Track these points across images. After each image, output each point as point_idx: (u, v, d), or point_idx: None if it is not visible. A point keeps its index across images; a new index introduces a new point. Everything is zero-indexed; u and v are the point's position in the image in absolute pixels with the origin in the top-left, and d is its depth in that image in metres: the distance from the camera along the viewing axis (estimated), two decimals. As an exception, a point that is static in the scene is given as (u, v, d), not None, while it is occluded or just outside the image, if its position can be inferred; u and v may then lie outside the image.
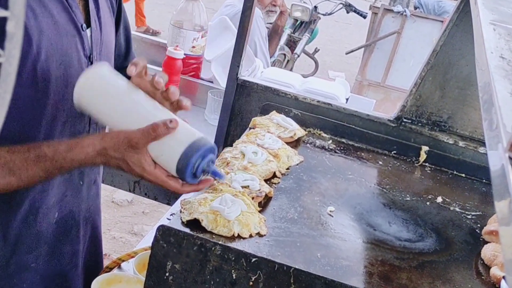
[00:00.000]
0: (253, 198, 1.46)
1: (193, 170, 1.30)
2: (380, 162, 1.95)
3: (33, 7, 1.29)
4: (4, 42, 0.39)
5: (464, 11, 1.94)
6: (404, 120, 2.08)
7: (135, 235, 4.10)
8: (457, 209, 1.74)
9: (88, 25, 1.47)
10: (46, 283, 1.56)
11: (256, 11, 3.95)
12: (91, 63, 1.47)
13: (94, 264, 1.73)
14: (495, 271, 1.40)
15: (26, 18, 1.25)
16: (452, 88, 2.05)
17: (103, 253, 1.98)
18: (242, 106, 2.24)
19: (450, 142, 2.04)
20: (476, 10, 1.33)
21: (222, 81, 2.97)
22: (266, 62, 4.12)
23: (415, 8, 7.10)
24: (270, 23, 4.84)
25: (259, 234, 1.36)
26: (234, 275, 1.28)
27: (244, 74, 2.29)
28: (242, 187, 1.48)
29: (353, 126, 2.06)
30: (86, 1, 1.48)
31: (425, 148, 2.02)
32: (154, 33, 9.25)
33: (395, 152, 2.03)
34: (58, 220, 1.54)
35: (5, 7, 0.40)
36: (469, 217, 1.71)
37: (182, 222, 1.33)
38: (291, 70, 5.87)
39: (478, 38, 1.18)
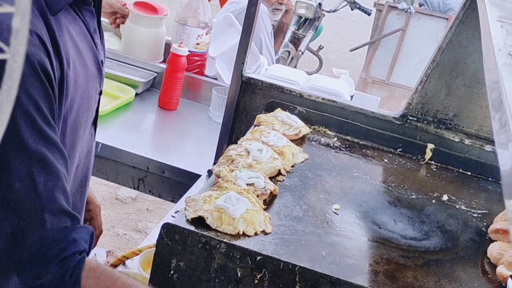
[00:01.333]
0: (258, 196, 1.45)
1: None
2: (386, 160, 1.94)
3: (73, 58, 1.24)
4: (9, 38, 0.38)
5: (470, 8, 1.93)
6: (410, 117, 2.07)
7: (139, 232, 4.10)
8: (463, 207, 1.74)
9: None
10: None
11: (262, 8, 3.95)
12: (99, 98, 1.44)
13: None
14: (501, 270, 1.40)
15: (68, 71, 1.20)
16: (458, 85, 2.04)
17: (107, 250, 1.98)
18: (247, 103, 2.23)
19: (456, 140, 2.03)
20: (483, 7, 1.32)
21: (226, 78, 2.97)
22: (271, 59, 4.12)
23: (420, 5, 7.08)
24: (276, 21, 4.84)
25: (264, 232, 1.36)
26: (239, 273, 1.27)
27: (249, 71, 2.28)
28: (247, 184, 1.48)
29: (358, 124, 2.05)
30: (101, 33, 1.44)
31: (430, 146, 2.01)
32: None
33: (400, 149, 2.02)
34: None
35: (11, 2, 0.39)
36: (475, 215, 1.71)
37: (187, 220, 1.32)
38: (295, 67, 5.86)
39: (485, 35, 1.17)
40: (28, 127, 1.09)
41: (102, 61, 1.40)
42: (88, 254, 1.22)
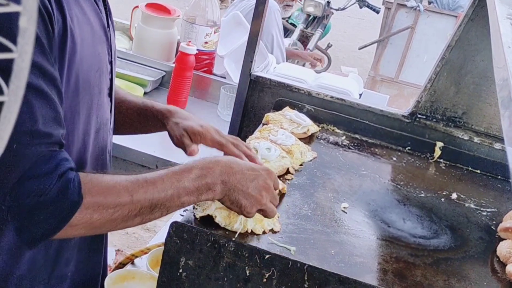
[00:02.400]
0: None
1: None
2: (394, 158, 1.94)
3: (77, 15, 1.26)
4: (17, 37, 0.38)
5: (479, 5, 1.92)
6: (419, 115, 2.06)
7: (148, 231, 4.10)
8: (472, 206, 1.73)
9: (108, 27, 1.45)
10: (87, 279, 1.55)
11: (274, 5, 3.95)
12: (112, 68, 1.46)
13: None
14: (511, 269, 1.39)
15: (72, 26, 1.23)
16: (467, 83, 2.04)
17: (116, 248, 1.98)
18: (255, 102, 2.23)
19: (465, 138, 2.02)
20: (492, 5, 1.31)
21: (235, 77, 2.97)
22: (282, 56, 4.11)
23: (429, 3, 7.06)
24: (284, 18, 4.84)
25: (272, 231, 1.35)
26: (247, 272, 1.27)
27: (257, 69, 2.28)
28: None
29: (367, 122, 2.05)
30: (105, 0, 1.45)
31: (439, 144, 2.01)
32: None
33: (409, 148, 2.02)
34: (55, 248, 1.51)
35: (18, 2, 0.39)
36: (484, 213, 1.70)
37: (196, 219, 1.32)
38: (303, 65, 5.85)
39: (494, 33, 1.17)
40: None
41: (107, 25, 1.41)
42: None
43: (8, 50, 0.39)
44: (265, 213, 1.33)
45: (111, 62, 1.44)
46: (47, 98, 1.16)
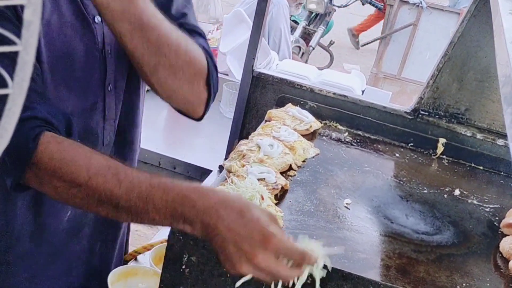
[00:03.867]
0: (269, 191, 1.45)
1: None
2: (397, 155, 1.94)
3: (44, 2, 1.26)
4: (21, 30, 0.39)
5: (482, 1, 1.92)
6: (421, 112, 2.06)
7: (150, 228, 4.10)
8: (475, 202, 1.73)
9: None
10: (88, 272, 1.55)
11: (282, 0, 3.95)
12: (104, 57, 1.41)
13: (106, 264, 1.67)
14: (514, 264, 1.39)
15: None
16: (469, 80, 2.03)
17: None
18: (258, 98, 2.23)
19: (468, 134, 2.02)
20: (495, 1, 1.31)
21: (237, 74, 2.97)
22: (288, 52, 4.11)
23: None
24: (295, 15, 4.85)
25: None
26: (250, 268, 1.27)
27: (259, 66, 2.28)
28: (258, 179, 1.48)
29: (370, 118, 2.05)
30: None
31: (442, 141, 2.01)
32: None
33: (412, 144, 2.01)
34: (70, 218, 1.51)
35: (22, -6, 0.39)
36: (487, 209, 1.70)
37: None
38: (306, 62, 5.85)
39: (497, 29, 1.17)
40: None
41: (95, 17, 1.36)
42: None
43: (12, 42, 0.39)
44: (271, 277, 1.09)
45: (102, 51, 1.38)
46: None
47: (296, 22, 6.30)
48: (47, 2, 1.28)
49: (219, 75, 3.05)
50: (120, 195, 1.10)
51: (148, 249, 1.79)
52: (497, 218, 1.65)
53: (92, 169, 1.12)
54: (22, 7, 0.38)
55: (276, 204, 1.44)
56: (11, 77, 0.39)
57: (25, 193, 1.35)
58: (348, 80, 2.96)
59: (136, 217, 1.13)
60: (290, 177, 1.61)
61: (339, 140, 1.93)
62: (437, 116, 2.06)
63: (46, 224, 1.46)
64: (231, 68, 3.09)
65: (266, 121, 1.90)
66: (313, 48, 6.30)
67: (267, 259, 1.04)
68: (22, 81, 0.39)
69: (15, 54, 0.39)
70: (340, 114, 2.04)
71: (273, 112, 1.92)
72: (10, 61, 0.42)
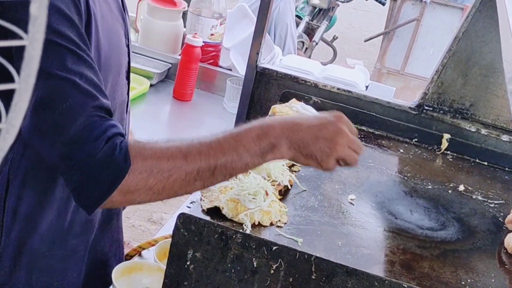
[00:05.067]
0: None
1: None
2: (401, 150, 1.93)
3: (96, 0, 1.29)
4: (27, 25, 0.38)
5: (487, -4, 1.91)
6: (426, 107, 2.06)
7: (154, 223, 4.11)
8: (480, 198, 1.72)
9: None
10: (89, 268, 1.57)
11: None
12: (129, 51, 1.48)
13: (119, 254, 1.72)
14: (519, 260, 1.39)
15: (93, 4, 1.25)
16: (474, 75, 2.03)
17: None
18: (261, 93, 2.23)
19: (472, 129, 2.02)
20: (501, -5, 1.31)
21: (241, 69, 2.96)
22: (293, 46, 4.11)
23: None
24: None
25: (279, 222, 1.35)
26: (255, 263, 1.27)
27: (263, 61, 2.28)
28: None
29: (374, 114, 2.04)
30: None
31: (446, 136, 2.00)
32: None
33: (416, 140, 2.01)
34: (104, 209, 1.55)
35: (28, -11, 0.39)
36: (492, 205, 1.69)
37: (203, 210, 1.32)
38: (309, 57, 5.84)
39: (503, 24, 1.16)
40: (64, 39, 1.16)
41: (124, 14, 1.44)
42: None
43: (19, 37, 0.39)
44: (345, 161, 1.26)
45: (127, 45, 1.47)
46: (95, 71, 1.20)
47: (299, 17, 6.28)
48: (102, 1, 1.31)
49: (223, 70, 3.06)
50: (217, 158, 1.18)
51: (153, 245, 1.80)
52: (501, 213, 1.65)
53: (183, 150, 1.17)
54: (27, 3, 0.38)
55: (280, 199, 1.44)
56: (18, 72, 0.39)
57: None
58: (352, 75, 2.96)
59: (232, 172, 1.21)
60: (294, 172, 1.61)
61: (343, 135, 1.93)
62: (441, 112, 2.06)
63: (88, 220, 1.48)
64: (235, 63, 3.08)
65: (270, 116, 1.89)
66: (317, 43, 6.29)
67: (345, 145, 1.24)
68: (28, 77, 0.38)
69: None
70: (344, 109, 2.03)
71: (277, 108, 1.91)
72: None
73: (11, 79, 0.39)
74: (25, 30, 0.39)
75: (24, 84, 0.38)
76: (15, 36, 0.40)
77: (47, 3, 0.38)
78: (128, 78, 1.51)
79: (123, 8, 1.45)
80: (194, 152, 1.17)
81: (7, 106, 0.40)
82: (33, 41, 0.38)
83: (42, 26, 0.38)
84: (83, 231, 1.49)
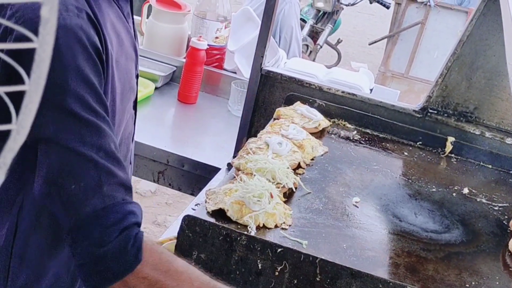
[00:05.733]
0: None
1: None
2: (406, 153, 1.94)
3: (112, 39, 1.26)
4: (38, 28, 0.39)
5: (491, 0, 1.91)
6: (430, 110, 2.06)
7: (158, 226, 4.12)
8: (484, 200, 1.73)
9: None
10: None
11: None
12: (137, 81, 1.46)
13: None
14: (523, 263, 1.39)
15: (112, 52, 1.23)
16: (478, 78, 2.03)
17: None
18: (266, 96, 2.23)
19: (477, 132, 2.02)
20: (505, -1, 1.31)
21: (245, 72, 2.97)
22: (298, 49, 4.11)
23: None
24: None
25: (284, 225, 1.36)
26: (259, 265, 1.28)
27: (268, 64, 2.28)
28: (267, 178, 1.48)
29: (378, 117, 2.05)
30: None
31: (451, 139, 2.01)
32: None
33: (420, 143, 2.01)
34: None
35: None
36: (496, 208, 1.70)
37: (208, 212, 1.33)
38: (313, 60, 5.84)
39: (508, 27, 1.17)
40: (83, 107, 1.11)
41: (136, 44, 1.42)
42: None
43: (29, 40, 0.40)
44: None
45: (137, 76, 1.45)
46: (112, 139, 1.17)
47: (304, 20, 6.29)
48: (114, 40, 1.27)
49: (228, 73, 3.06)
50: None
51: (157, 247, 1.80)
52: (506, 216, 1.65)
53: (195, 285, 1.14)
54: (38, 5, 0.39)
55: (285, 202, 1.44)
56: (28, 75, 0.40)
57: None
58: (357, 78, 2.96)
59: None
60: (299, 175, 1.61)
61: (347, 138, 1.93)
62: (445, 115, 2.06)
63: None
64: (239, 66, 3.09)
65: (274, 119, 1.90)
66: (321, 47, 6.29)
67: None
68: (38, 79, 0.39)
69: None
70: (348, 113, 2.04)
71: (281, 110, 1.92)
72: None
73: (22, 81, 0.40)
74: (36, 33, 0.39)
75: (34, 86, 0.39)
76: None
77: (58, 6, 0.38)
78: (135, 107, 1.48)
79: (134, 36, 1.42)
80: None
81: (17, 108, 0.41)
82: (44, 43, 0.39)
83: (53, 29, 0.38)
84: None
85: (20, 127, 0.40)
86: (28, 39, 0.40)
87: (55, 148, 1.11)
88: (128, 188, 1.17)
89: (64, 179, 1.12)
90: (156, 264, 1.13)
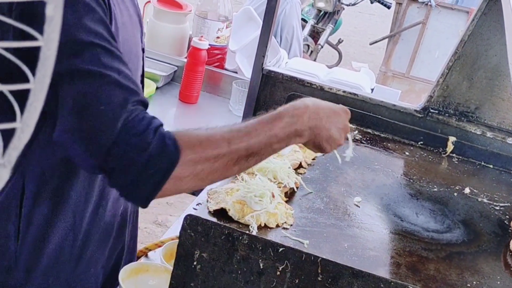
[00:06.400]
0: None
1: None
2: (407, 153, 1.94)
3: (116, 3, 1.30)
4: (43, 26, 0.39)
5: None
6: (431, 110, 2.06)
7: (159, 226, 4.12)
8: (485, 200, 1.73)
9: None
10: (107, 276, 1.58)
11: None
12: (143, 56, 1.51)
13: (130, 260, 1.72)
14: (524, 263, 1.39)
15: (115, 11, 1.27)
16: (480, 78, 2.03)
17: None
18: (267, 96, 2.23)
19: (478, 132, 2.02)
20: (507, -2, 1.31)
21: (246, 72, 2.97)
22: (299, 49, 4.11)
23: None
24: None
25: (286, 224, 1.36)
26: (261, 265, 1.28)
27: (269, 64, 2.28)
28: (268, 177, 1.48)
29: (379, 117, 2.05)
30: None
31: (452, 139, 2.01)
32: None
33: (422, 142, 2.01)
34: (122, 212, 1.56)
35: (44, -9, 0.40)
36: (497, 208, 1.70)
37: (209, 212, 1.33)
38: (314, 60, 5.84)
39: (509, 27, 1.17)
40: (98, 37, 1.18)
41: (139, 13, 1.47)
42: None
43: (34, 38, 0.40)
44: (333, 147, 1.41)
45: (143, 49, 1.50)
46: (128, 67, 1.23)
47: (304, 20, 6.29)
48: (122, 5, 1.34)
49: (229, 73, 3.07)
50: (254, 145, 1.24)
51: (159, 246, 1.80)
52: (507, 216, 1.65)
53: (226, 137, 1.22)
54: (43, 5, 0.39)
55: (286, 201, 1.45)
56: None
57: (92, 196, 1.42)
58: (358, 78, 2.96)
59: (262, 156, 1.28)
60: (300, 175, 1.61)
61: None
62: (447, 115, 2.06)
63: (106, 225, 1.51)
64: (241, 66, 3.09)
65: (276, 119, 1.90)
66: (322, 47, 6.29)
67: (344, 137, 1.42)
68: (43, 77, 0.39)
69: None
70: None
71: (283, 110, 1.92)
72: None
73: (27, 79, 0.40)
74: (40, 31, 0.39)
75: (39, 84, 0.39)
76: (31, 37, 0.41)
77: (62, 4, 0.38)
78: (142, 81, 1.52)
79: (136, 7, 1.47)
80: (235, 139, 1.22)
81: (22, 106, 0.41)
82: (48, 41, 0.39)
83: (58, 27, 0.38)
84: (101, 237, 1.49)
85: (25, 125, 0.40)
86: (33, 38, 0.40)
87: (78, 77, 1.16)
88: (146, 106, 1.23)
89: (92, 102, 1.16)
90: (190, 144, 1.20)
